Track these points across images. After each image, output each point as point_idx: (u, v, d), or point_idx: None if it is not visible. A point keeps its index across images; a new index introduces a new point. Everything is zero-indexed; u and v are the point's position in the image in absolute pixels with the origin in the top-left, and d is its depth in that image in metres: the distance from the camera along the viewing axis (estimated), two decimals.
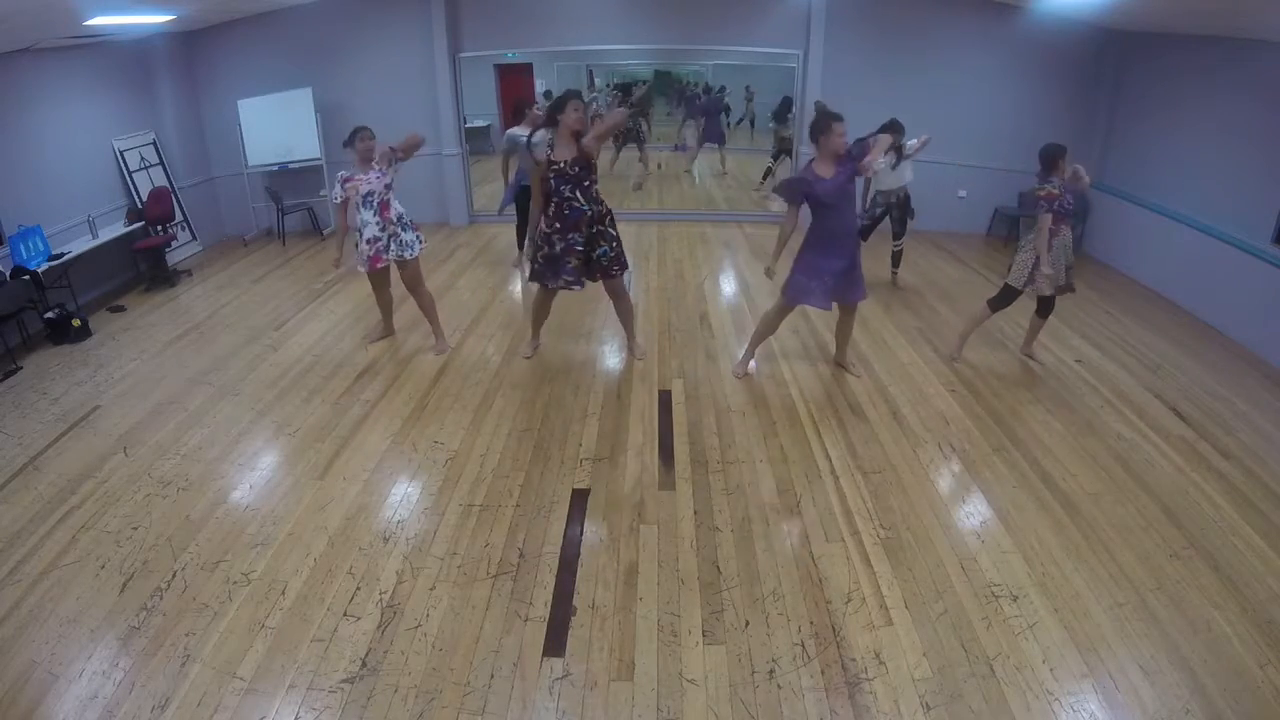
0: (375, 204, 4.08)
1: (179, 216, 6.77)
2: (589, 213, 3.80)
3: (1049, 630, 2.35)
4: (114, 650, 2.30)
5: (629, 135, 9.11)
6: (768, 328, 4.04)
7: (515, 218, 5.95)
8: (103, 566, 2.68)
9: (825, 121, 3.52)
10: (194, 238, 7.02)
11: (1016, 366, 4.33)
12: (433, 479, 3.20)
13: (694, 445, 3.44)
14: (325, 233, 7.43)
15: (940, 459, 3.36)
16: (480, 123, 8.65)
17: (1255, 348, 4.67)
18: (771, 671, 2.20)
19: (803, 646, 2.29)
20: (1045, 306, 4.21)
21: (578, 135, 3.69)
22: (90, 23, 4.94)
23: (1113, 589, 2.54)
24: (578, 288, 3.93)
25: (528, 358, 4.35)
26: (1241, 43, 5.00)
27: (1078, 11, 6.16)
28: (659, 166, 9.82)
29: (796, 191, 3.62)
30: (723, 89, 9.30)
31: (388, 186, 4.08)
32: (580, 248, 3.83)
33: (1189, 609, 2.46)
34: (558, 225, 3.81)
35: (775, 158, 8.36)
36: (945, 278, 6.05)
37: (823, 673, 2.19)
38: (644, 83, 9.32)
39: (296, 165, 7.19)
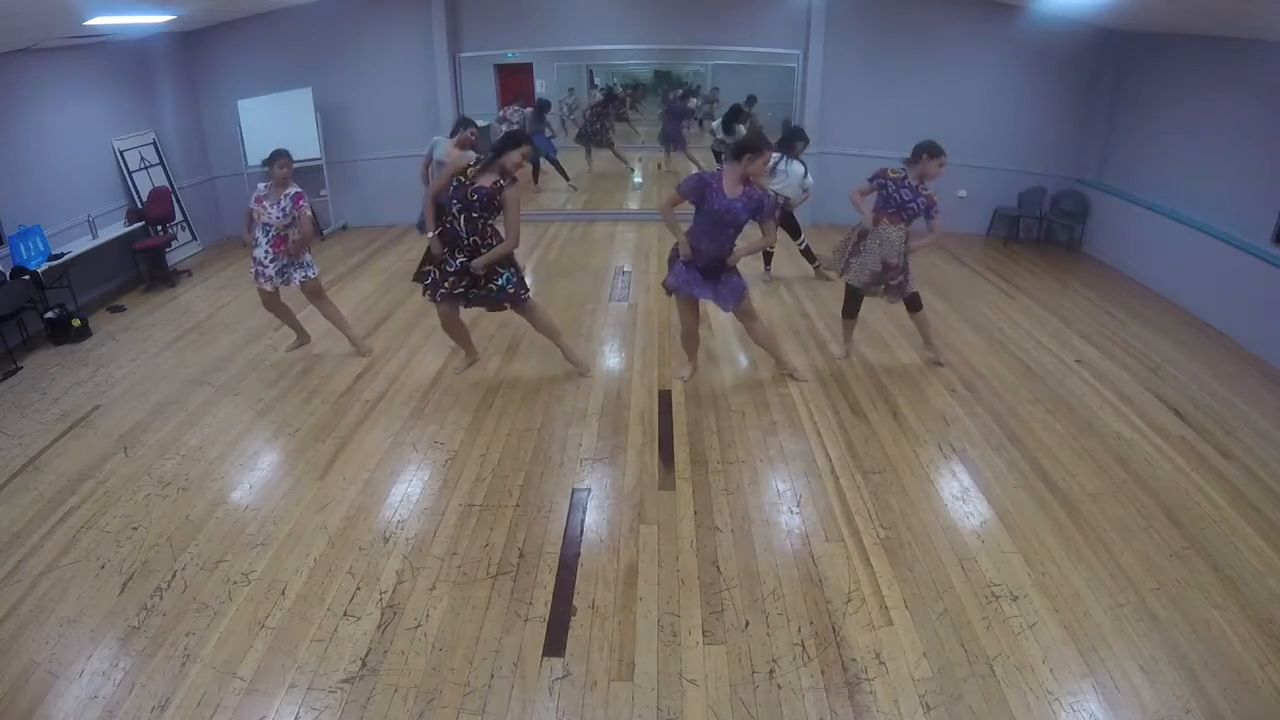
0: (270, 234, 4.08)
1: (179, 216, 6.77)
2: (466, 241, 3.62)
3: (1049, 630, 2.35)
4: (114, 650, 2.29)
5: (598, 139, 9.16)
6: (685, 339, 4.00)
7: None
8: (103, 566, 2.68)
9: (758, 144, 3.42)
10: (194, 238, 7.02)
11: (1017, 366, 4.33)
12: (433, 479, 3.20)
13: (694, 445, 3.44)
14: (324, 232, 7.42)
15: (940, 459, 3.36)
16: (480, 123, 8.65)
17: (1255, 348, 4.67)
18: (771, 671, 2.20)
19: (803, 646, 2.29)
20: (912, 303, 4.12)
21: (504, 174, 3.56)
22: (90, 23, 4.94)
23: (1113, 589, 2.54)
24: (448, 304, 3.78)
25: (459, 373, 4.17)
26: (1241, 43, 5.01)
27: (1078, 11, 6.15)
28: (659, 167, 9.85)
29: (689, 185, 3.48)
30: (693, 91, 9.39)
31: (286, 225, 4.06)
32: (453, 269, 3.66)
33: (1189, 609, 2.45)
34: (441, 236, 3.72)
35: (719, 159, 8.39)
36: (945, 277, 6.05)
37: (823, 673, 2.19)
38: (630, 86, 9.42)
39: (296, 165, 7.14)
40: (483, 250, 3.65)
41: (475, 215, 3.58)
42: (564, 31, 7.34)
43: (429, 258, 3.78)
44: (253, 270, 4.20)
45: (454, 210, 3.59)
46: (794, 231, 5.73)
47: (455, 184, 3.58)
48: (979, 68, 6.91)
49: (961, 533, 2.84)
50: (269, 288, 4.19)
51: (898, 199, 3.87)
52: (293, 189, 4.06)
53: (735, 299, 3.68)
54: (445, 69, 7.21)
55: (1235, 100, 5.13)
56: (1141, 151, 6.28)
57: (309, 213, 4.13)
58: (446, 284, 3.71)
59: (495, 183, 3.56)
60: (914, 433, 3.57)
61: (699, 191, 3.46)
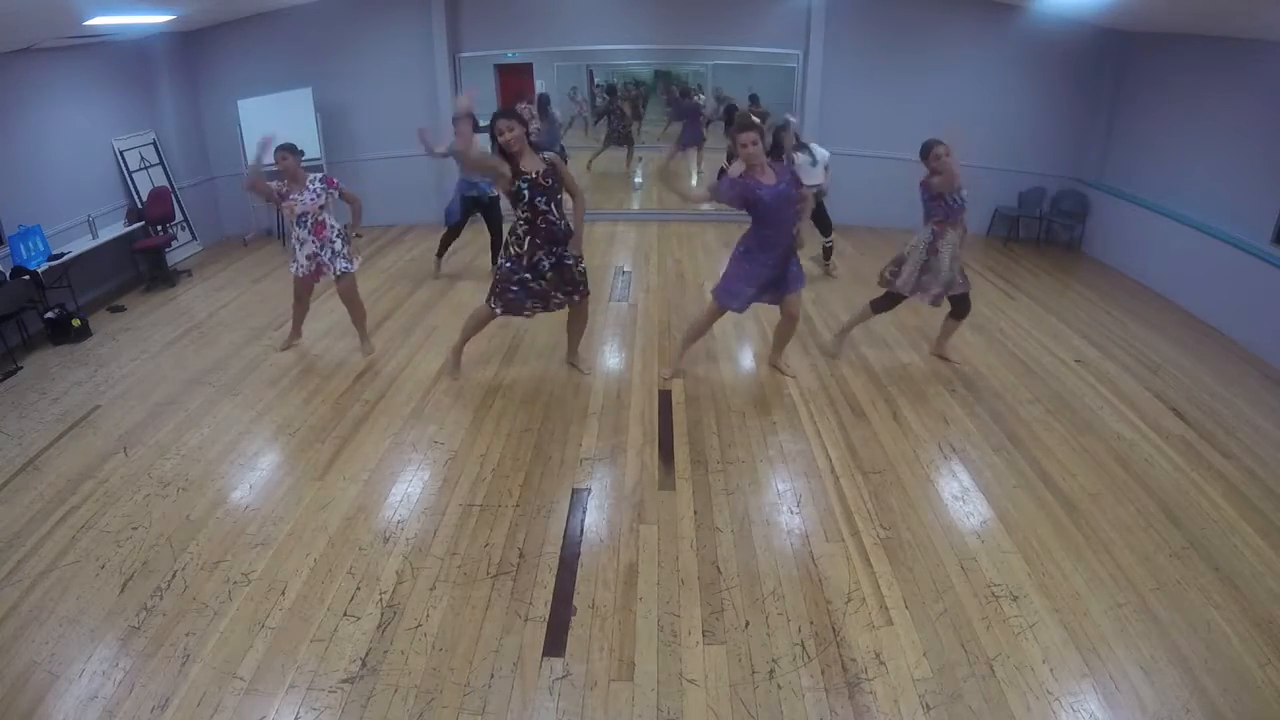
0: (309, 224, 4.10)
1: (179, 216, 6.77)
2: (560, 226, 3.59)
3: (1049, 630, 2.35)
4: (114, 650, 2.30)
5: (618, 136, 9.15)
6: (697, 331, 4.04)
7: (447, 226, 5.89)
8: (103, 566, 2.68)
9: (732, 133, 3.48)
10: (194, 238, 7.02)
11: (1017, 366, 4.33)
12: (433, 479, 3.20)
13: (694, 445, 3.44)
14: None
15: (940, 459, 3.36)
16: (481, 122, 8.65)
17: (1255, 348, 4.67)
18: (771, 671, 2.20)
19: (803, 646, 2.29)
20: (959, 308, 4.12)
21: (537, 147, 3.53)
22: (90, 23, 4.93)
23: (1113, 589, 2.54)
24: (536, 312, 3.78)
25: (455, 379, 4.14)
26: (1241, 42, 5.01)
27: (1078, 11, 6.16)
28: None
29: (732, 191, 3.48)
30: (698, 90, 9.38)
31: (321, 208, 4.10)
32: (549, 265, 3.63)
33: (1189, 609, 2.46)
34: (538, 241, 3.56)
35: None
36: None
37: (823, 673, 2.20)
38: (639, 83, 9.39)
39: None
40: (564, 230, 3.66)
41: (560, 196, 3.59)
42: (564, 31, 7.33)
43: (520, 279, 3.65)
44: (308, 269, 4.17)
45: (542, 206, 3.50)
46: (824, 227, 5.73)
47: (528, 185, 3.44)
48: (979, 68, 6.90)
49: (961, 533, 2.84)
50: (326, 273, 4.19)
51: (956, 204, 3.83)
52: (318, 174, 4.11)
53: (798, 285, 3.76)
54: (445, 69, 7.21)
55: (1235, 100, 5.13)
56: (1141, 151, 6.28)
57: (345, 187, 4.22)
58: (556, 294, 3.72)
59: (544, 159, 3.53)
60: (914, 433, 3.57)
61: (743, 192, 3.45)
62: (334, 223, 4.19)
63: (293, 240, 4.20)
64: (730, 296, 3.76)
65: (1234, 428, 3.68)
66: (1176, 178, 5.75)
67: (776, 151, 5.26)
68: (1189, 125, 5.63)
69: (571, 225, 3.69)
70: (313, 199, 4.05)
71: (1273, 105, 4.77)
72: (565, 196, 3.65)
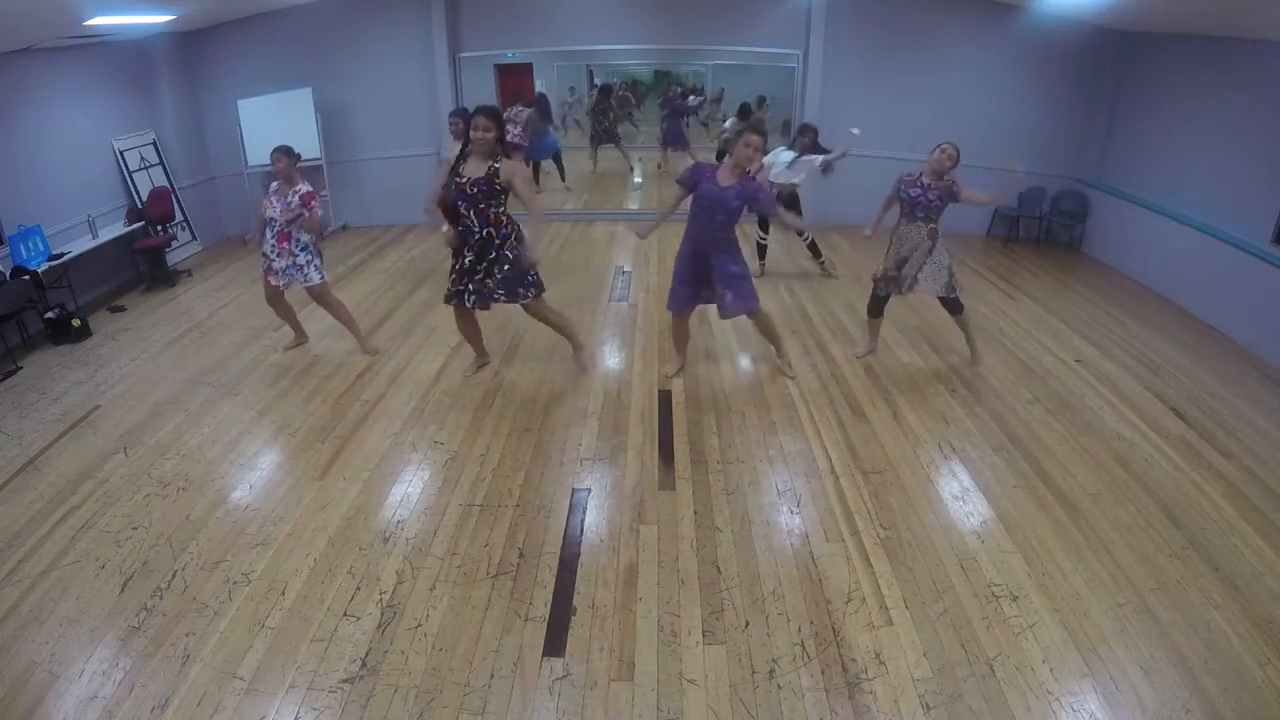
0: (275, 229, 4.08)
1: (179, 216, 6.77)
2: (478, 235, 3.55)
3: (1049, 630, 2.35)
4: (114, 650, 2.30)
5: (606, 135, 9.15)
6: (675, 338, 4.12)
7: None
8: (103, 566, 2.68)
9: (745, 129, 3.53)
10: (194, 238, 7.02)
11: (1017, 366, 4.33)
12: (433, 479, 3.20)
13: (694, 445, 3.44)
14: (324, 231, 7.40)
15: (940, 459, 3.36)
16: None
17: (1255, 348, 4.67)
18: (771, 671, 2.20)
19: (803, 646, 2.29)
20: (952, 306, 4.09)
21: (496, 155, 3.47)
22: (90, 23, 4.94)
23: (1113, 589, 2.54)
24: (479, 308, 3.71)
25: (468, 375, 4.15)
26: (1241, 42, 5.01)
27: (1077, 11, 6.16)
28: (658, 167, 9.84)
29: (688, 178, 3.67)
30: (694, 90, 9.39)
31: (290, 222, 4.07)
32: (467, 265, 3.62)
33: (1189, 609, 2.46)
34: (460, 239, 3.64)
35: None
36: None
37: (823, 673, 2.19)
38: (629, 82, 9.40)
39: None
40: (497, 240, 3.57)
41: (483, 207, 3.52)
42: (564, 31, 7.34)
43: (453, 267, 3.74)
44: (262, 265, 4.20)
45: (462, 210, 3.53)
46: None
47: (453, 185, 3.51)
48: (979, 67, 6.91)
49: (961, 533, 2.84)
50: (274, 282, 4.18)
51: (907, 198, 3.96)
52: (303, 187, 4.06)
53: (739, 307, 3.72)
54: (445, 69, 7.21)
55: (1235, 100, 5.13)
56: (1141, 151, 6.28)
57: (319, 213, 4.13)
58: (463, 284, 3.67)
59: (490, 167, 3.47)
60: (914, 433, 3.57)
61: (694, 179, 3.64)
62: (301, 237, 4.12)
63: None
64: (670, 298, 3.91)
65: (1234, 428, 3.68)
66: (1176, 178, 5.75)
67: (805, 137, 5.45)
68: (1189, 125, 5.63)
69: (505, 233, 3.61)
70: (283, 209, 4.03)
71: (1273, 105, 4.77)
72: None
